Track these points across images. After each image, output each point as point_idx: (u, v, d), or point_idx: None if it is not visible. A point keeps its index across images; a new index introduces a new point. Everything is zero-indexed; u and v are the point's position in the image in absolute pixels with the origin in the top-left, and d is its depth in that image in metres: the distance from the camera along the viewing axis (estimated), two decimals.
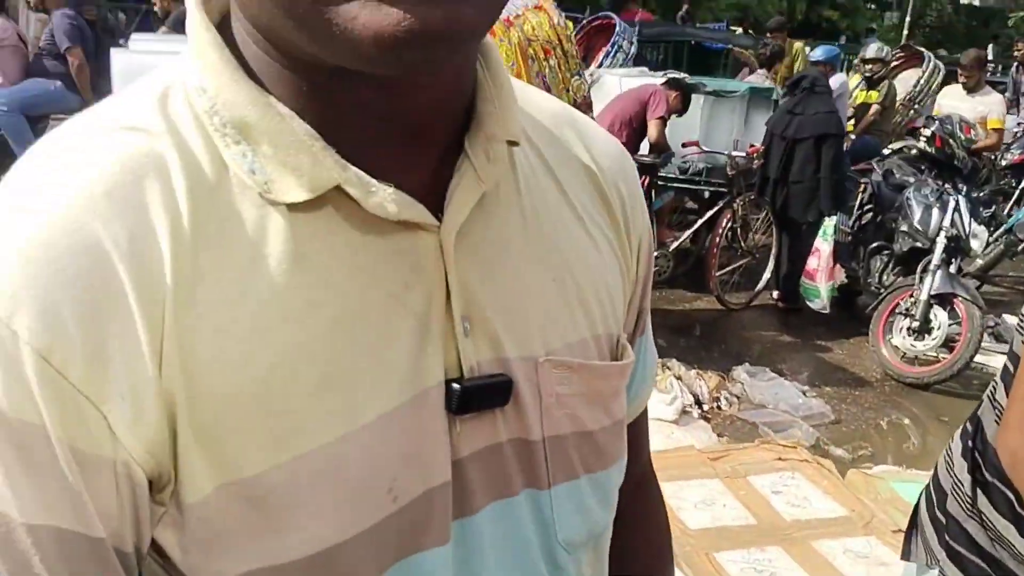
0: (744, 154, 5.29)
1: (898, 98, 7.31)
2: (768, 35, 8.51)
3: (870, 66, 7.48)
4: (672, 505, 1.69)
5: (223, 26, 0.48)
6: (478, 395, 0.51)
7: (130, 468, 0.43)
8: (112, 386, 0.42)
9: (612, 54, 6.80)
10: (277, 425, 0.45)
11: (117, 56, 3.64)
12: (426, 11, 0.39)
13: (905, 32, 28.44)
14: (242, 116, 0.46)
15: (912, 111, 7.15)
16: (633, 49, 7.06)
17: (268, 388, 0.45)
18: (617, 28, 7.02)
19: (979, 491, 1.15)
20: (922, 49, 7.69)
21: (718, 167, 5.53)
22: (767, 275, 5.55)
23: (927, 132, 5.40)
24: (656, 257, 4.89)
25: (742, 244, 5.46)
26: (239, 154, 0.46)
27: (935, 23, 28.46)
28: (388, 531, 0.49)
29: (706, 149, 5.62)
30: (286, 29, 0.42)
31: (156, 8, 6.89)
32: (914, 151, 5.46)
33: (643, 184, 4.89)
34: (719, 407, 4.12)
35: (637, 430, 0.73)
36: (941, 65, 7.37)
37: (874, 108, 7.24)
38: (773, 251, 5.51)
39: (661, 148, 5.11)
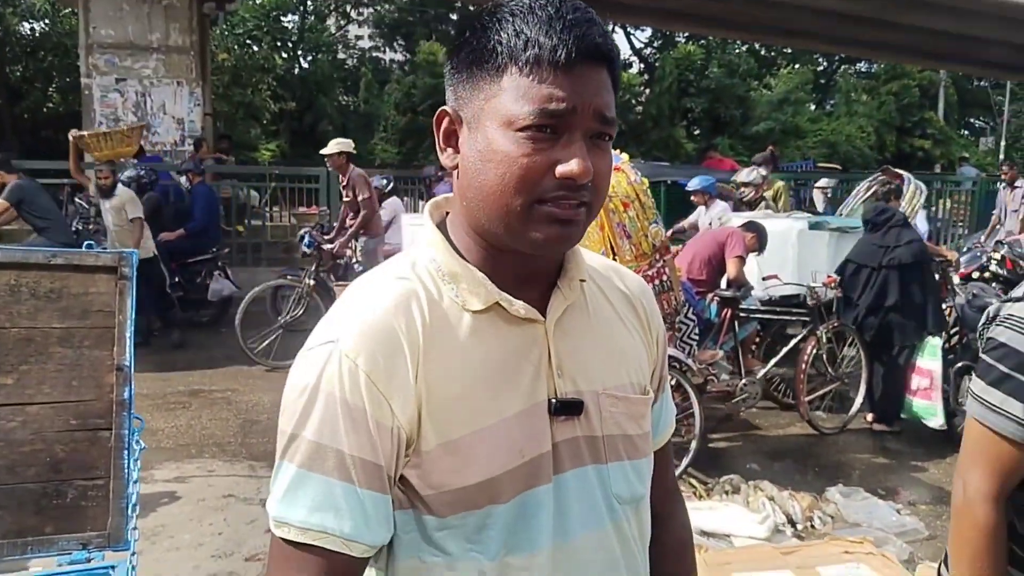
0: (822, 284, 5.59)
1: None
2: (759, 166, 8.80)
3: (743, 189, 7.78)
4: None
5: (441, 225, 1.02)
6: (564, 408, 0.97)
7: (399, 432, 0.90)
8: (395, 390, 0.89)
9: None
10: (467, 414, 0.92)
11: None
12: (564, 230, 0.91)
13: (1001, 156, 28.22)
14: (453, 270, 0.97)
15: None
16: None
17: (463, 396, 0.92)
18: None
19: None
20: (902, 172, 7.86)
21: (800, 297, 5.83)
22: (859, 399, 5.71)
23: (997, 255, 5.60)
24: (744, 384, 5.28)
25: (829, 370, 5.68)
26: (450, 288, 0.96)
27: None
28: (519, 473, 0.93)
29: (785, 281, 5.96)
30: (497, 234, 0.93)
31: (103, 182, 7.42)
32: (986, 273, 5.65)
33: (726, 315, 5.33)
34: (813, 526, 4.26)
35: (664, 455, 1.21)
36: (923, 186, 7.52)
37: None
38: (864, 375, 5.69)
39: (740, 283, 5.49)
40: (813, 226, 6.63)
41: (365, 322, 0.92)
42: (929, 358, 5.35)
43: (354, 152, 7.62)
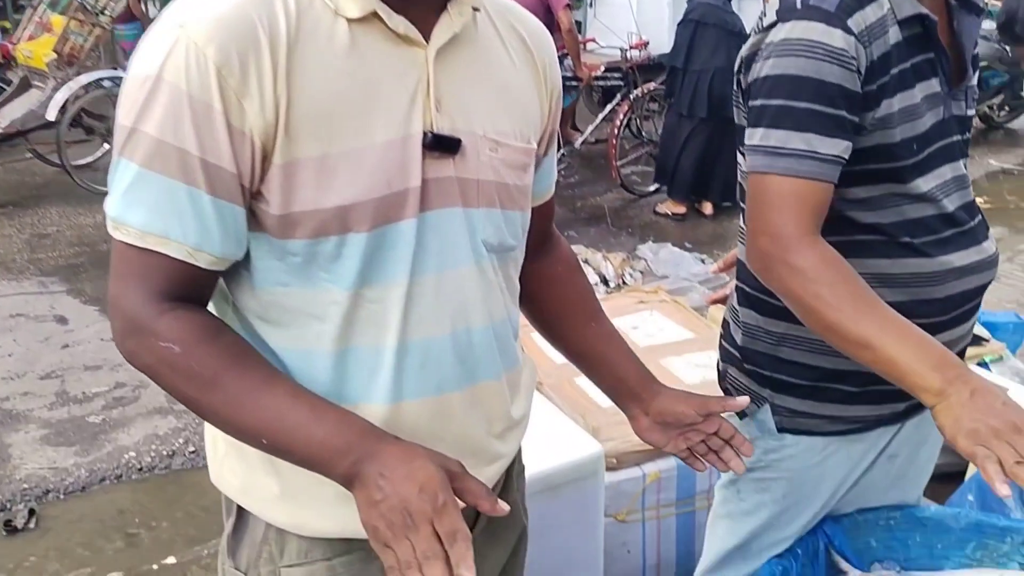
0: (631, 47, 5.49)
1: None
2: None
3: None
4: (540, 346, 1.97)
5: None
6: (439, 143, 0.89)
7: (254, 139, 0.81)
8: (251, 91, 0.80)
9: None
10: (330, 131, 0.84)
11: None
12: None
13: None
14: None
15: None
16: None
17: (329, 109, 0.83)
18: None
19: (744, 307, 1.32)
20: None
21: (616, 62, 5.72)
22: None
23: None
24: (562, 155, 5.24)
25: (643, 133, 5.73)
26: None
27: None
28: (383, 204, 0.87)
29: (602, 44, 5.84)
30: None
31: None
32: None
33: None
34: (624, 283, 4.45)
35: (548, 208, 1.18)
36: None
37: None
38: None
39: (574, 35, 5.28)
40: None
41: (219, 8, 0.80)
42: None
43: None
